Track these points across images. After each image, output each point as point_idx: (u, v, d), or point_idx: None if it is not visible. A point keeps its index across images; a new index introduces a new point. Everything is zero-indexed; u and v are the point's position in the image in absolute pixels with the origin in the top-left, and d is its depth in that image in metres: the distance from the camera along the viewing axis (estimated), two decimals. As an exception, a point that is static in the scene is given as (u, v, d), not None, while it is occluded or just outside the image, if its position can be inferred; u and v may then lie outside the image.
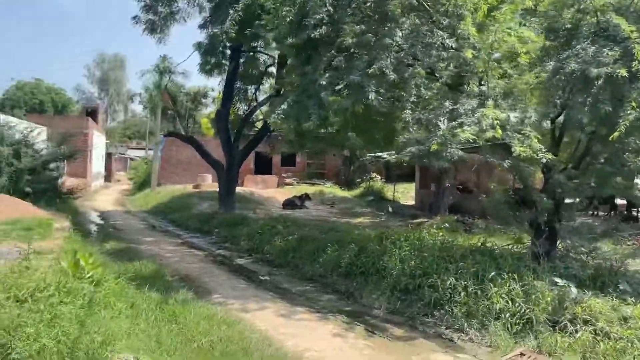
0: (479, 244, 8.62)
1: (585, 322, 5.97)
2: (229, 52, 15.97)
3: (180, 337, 5.54)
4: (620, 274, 7.59)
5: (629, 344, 5.54)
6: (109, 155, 45.24)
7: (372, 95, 7.53)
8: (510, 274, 6.83)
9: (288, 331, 6.40)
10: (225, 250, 12.16)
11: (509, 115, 6.66)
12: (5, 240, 8.35)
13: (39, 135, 19.23)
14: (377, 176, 25.71)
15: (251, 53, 16.97)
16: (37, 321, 4.54)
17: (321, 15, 7.85)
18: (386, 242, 8.88)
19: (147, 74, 22.02)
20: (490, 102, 7.35)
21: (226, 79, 16.58)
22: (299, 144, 13.03)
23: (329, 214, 18.69)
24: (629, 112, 6.04)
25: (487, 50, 7.45)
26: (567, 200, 8.74)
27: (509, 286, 6.65)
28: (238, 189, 23.58)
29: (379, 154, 9.75)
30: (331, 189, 25.38)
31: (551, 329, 6.06)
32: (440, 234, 9.57)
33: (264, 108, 17.31)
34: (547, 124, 8.14)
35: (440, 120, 7.73)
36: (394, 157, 8.12)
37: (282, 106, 8.23)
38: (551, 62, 7.06)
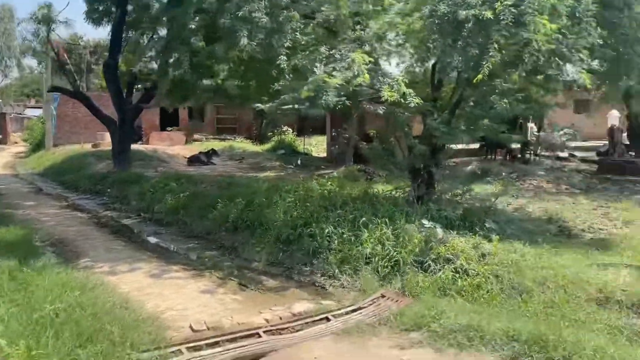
0: (364, 191, 8.63)
1: (447, 260, 6.12)
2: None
3: (23, 307, 5.05)
4: (491, 214, 7.98)
5: (484, 280, 5.81)
6: (2, 116, 41.45)
7: (244, 41, 7.11)
8: (383, 219, 6.86)
9: (154, 291, 6.09)
10: (114, 212, 11.44)
11: (376, 59, 6.52)
12: None
13: None
14: (289, 129, 25.40)
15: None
16: None
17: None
18: (273, 194, 8.68)
19: (23, 22, 19.58)
20: (367, 47, 7.17)
21: (112, 27, 15.17)
22: (181, 96, 12.26)
23: (236, 169, 18.24)
24: (491, 54, 6.10)
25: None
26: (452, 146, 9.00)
27: (381, 230, 6.67)
28: (141, 147, 22.38)
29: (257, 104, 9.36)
30: (242, 144, 24.78)
31: (417, 270, 6.19)
32: (329, 183, 9.46)
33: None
34: (424, 69, 8.17)
35: (316, 67, 7.49)
36: (267, 106, 7.79)
37: (149, 53, 7.59)
38: (427, 6, 6.97)
